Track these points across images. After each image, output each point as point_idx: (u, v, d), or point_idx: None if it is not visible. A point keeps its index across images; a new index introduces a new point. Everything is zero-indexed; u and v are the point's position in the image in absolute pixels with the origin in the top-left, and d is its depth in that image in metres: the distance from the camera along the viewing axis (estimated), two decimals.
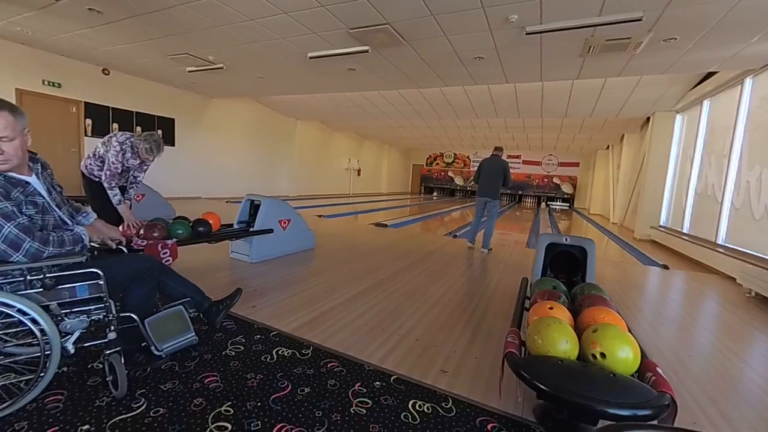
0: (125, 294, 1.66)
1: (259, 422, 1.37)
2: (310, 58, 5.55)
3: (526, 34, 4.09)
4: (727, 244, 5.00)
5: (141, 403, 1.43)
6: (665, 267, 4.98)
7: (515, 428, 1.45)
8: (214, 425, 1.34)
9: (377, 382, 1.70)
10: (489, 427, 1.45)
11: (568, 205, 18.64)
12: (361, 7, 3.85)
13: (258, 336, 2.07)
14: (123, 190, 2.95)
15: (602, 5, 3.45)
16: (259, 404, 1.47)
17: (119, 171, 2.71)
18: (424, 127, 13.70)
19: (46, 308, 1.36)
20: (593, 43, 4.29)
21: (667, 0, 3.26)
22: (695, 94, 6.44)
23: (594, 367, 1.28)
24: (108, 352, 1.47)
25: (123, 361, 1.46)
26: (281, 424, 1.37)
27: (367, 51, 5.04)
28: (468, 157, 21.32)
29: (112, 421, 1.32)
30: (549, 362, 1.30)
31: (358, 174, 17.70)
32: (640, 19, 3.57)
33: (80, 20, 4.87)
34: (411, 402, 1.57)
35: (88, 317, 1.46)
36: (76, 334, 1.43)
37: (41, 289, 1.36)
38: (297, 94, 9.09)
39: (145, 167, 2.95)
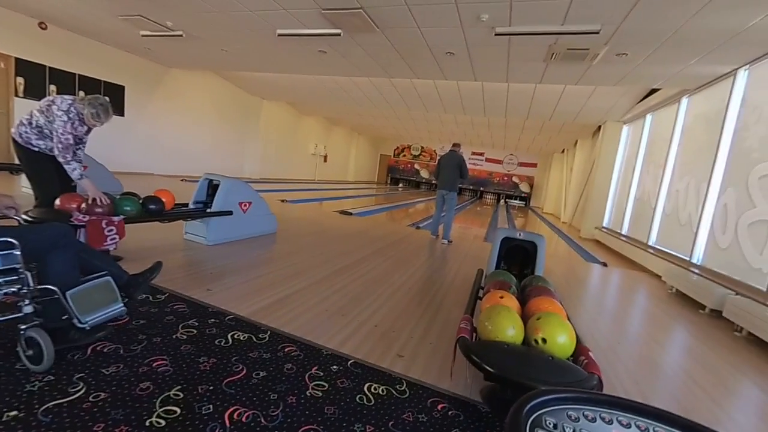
0: (42, 265, 1.52)
1: (211, 405, 1.35)
2: (279, 35, 5.31)
3: (496, 34, 4.22)
4: (657, 246, 5.58)
5: (79, 387, 1.34)
6: (604, 264, 5.46)
7: (463, 408, 1.55)
8: (161, 409, 1.29)
9: (334, 366, 1.72)
10: (439, 407, 1.53)
11: (524, 203, 19.68)
12: None
13: (212, 320, 2.01)
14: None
15: (566, 15, 3.63)
16: (211, 388, 1.44)
17: (71, 142, 2.44)
18: (393, 117, 13.70)
19: None
20: (556, 50, 4.52)
21: (623, 15, 3.50)
22: (641, 108, 7.03)
23: (536, 351, 1.40)
24: (24, 326, 1.38)
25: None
26: (234, 407, 1.35)
27: (339, 34, 4.92)
28: (435, 150, 21.69)
29: (45, 407, 1.23)
30: (496, 346, 1.40)
31: (325, 160, 17.38)
32: (597, 32, 3.81)
33: None
34: (367, 385, 1.62)
35: (1, 290, 1.34)
36: None
37: None
38: (264, 72, 8.68)
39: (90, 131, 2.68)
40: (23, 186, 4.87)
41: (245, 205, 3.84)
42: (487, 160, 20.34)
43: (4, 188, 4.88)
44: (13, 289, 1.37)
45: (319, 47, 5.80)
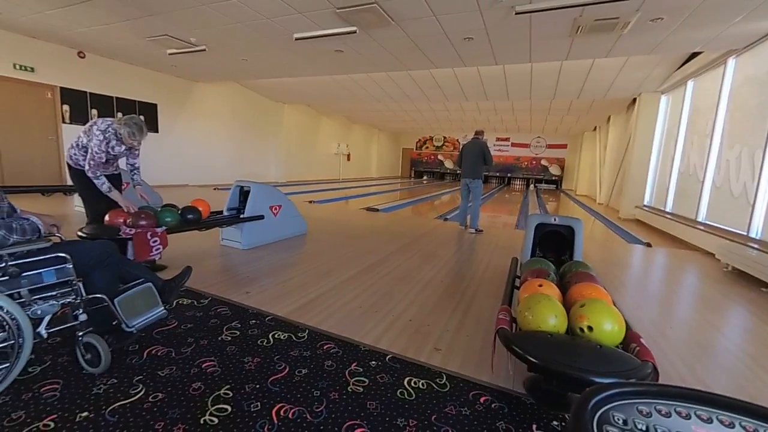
0: (88, 279, 1.64)
1: (259, 403, 1.40)
2: (296, 39, 5.39)
3: (516, 13, 4.05)
4: (707, 221, 5.18)
5: (139, 389, 1.45)
6: (648, 245, 5.14)
7: (506, 400, 1.52)
8: (214, 407, 1.36)
9: (373, 362, 1.74)
10: (482, 400, 1.51)
11: (555, 186, 18.90)
12: None
13: (253, 321, 2.09)
14: (117, 180, 2.84)
15: None
16: (257, 386, 1.50)
17: (103, 160, 2.61)
18: (413, 110, 13.57)
19: (14, 296, 1.35)
20: (582, 23, 4.27)
21: None
22: (679, 75, 6.51)
23: (581, 340, 1.34)
24: (81, 333, 1.50)
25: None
26: (280, 404, 1.40)
27: (354, 32, 4.92)
28: (458, 140, 21.27)
29: (111, 408, 1.33)
30: (539, 336, 1.35)
31: (348, 159, 17.53)
32: None
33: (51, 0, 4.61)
34: (406, 379, 1.62)
35: (58, 301, 1.46)
36: (47, 319, 1.44)
37: (5, 278, 1.34)
38: (283, 78, 8.86)
39: (136, 152, 2.84)
40: (76, 205, 5.28)
41: (275, 209, 3.95)
42: (512, 145, 19.68)
43: (58, 208, 5.32)
44: (69, 300, 1.49)
45: (335, 47, 5.83)
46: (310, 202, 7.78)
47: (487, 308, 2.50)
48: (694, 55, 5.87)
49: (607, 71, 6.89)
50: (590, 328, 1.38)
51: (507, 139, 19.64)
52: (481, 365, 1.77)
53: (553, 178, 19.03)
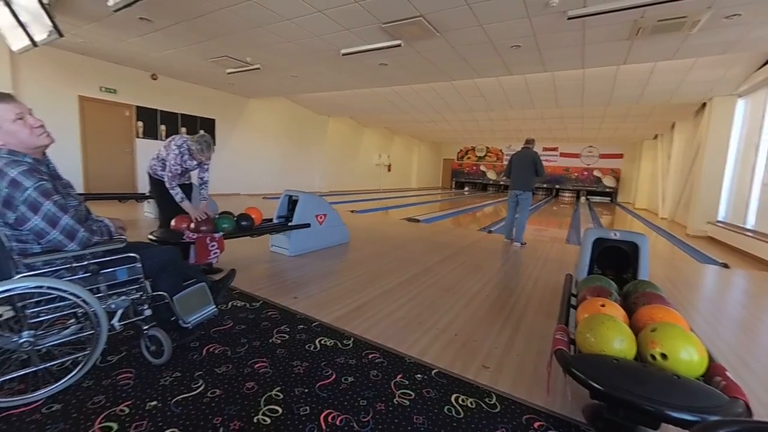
0: (155, 280, 1.75)
1: (308, 407, 1.43)
2: (343, 54, 5.61)
3: (568, 18, 3.89)
4: None
5: (199, 384, 1.54)
6: (725, 265, 4.58)
7: (563, 427, 1.41)
8: (266, 407, 1.41)
9: (418, 375, 1.71)
10: (536, 425, 1.41)
11: (609, 198, 17.59)
12: (394, 0, 3.83)
13: (301, 326, 2.15)
14: (189, 190, 3.11)
15: None
16: (306, 390, 1.53)
17: (179, 172, 2.89)
18: (454, 121, 13.44)
19: (94, 291, 1.49)
20: (643, 24, 4.00)
21: None
22: (761, 75, 5.82)
23: (654, 368, 1.21)
24: (146, 327, 1.63)
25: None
26: (328, 410, 1.42)
27: (399, 45, 5.02)
28: (501, 150, 20.67)
29: (175, 399, 1.43)
30: (603, 361, 1.24)
31: (389, 169, 17.71)
32: None
33: (132, 29, 5.22)
34: (453, 396, 1.56)
35: (129, 297, 1.59)
36: (120, 313, 1.57)
37: (88, 275, 1.49)
38: (329, 91, 9.23)
39: (206, 166, 3.07)
40: (145, 212, 5.84)
41: (321, 218, 4.07)
42: (561, 155, 18.71)
43: (131, 214, 5.91)
44: (137, 296, 1.63)
45: (379, 60, 5.98)
46: (352, 211, 7.93)
47: (538, 326, 2.36)
48: None
49: (672, 74, 6.36)
50: (663, 356, 1.24)
51: (555, 149, 18.72)
52: (533, 387, 1.66)
53: (608, 189, 17.73)
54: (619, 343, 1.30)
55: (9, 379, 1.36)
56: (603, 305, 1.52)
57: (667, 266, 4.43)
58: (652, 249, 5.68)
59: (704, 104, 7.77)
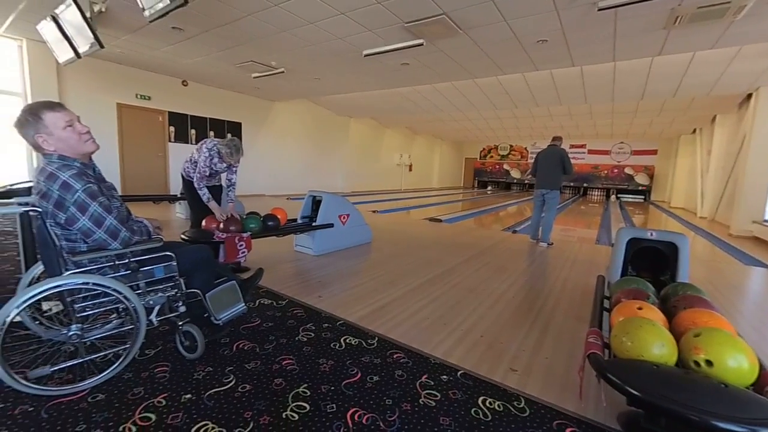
0: (189, 278, 1.81)
1: (334, 405, 1.44)
2: (365, 55, 5.64)
3: (599, 10, 3.74)
4: None
5: (230, 379, 1.59)
6: None
7: None
8: (294, 404, 1.44)
9: (444, 376, 1.69)
10: (568, 431, 1.37)
11: (642, 197, 16.74)
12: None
13: (326, 324, 2.18)
14: (218, 191, 3.22)
15: None
16: (332, 388, 1.55)
17: (207, 174, 3.00)
18: (477, 119, 13.22)
19: (134, 287, 1.56)
20: (681, 12, 3.78)
21: None
22: None
23: (698, 376, 1.14)
24: (181, 322, 1.70)
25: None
26: (354, 409, 1.43)
27: (421, 44, 4.98)
28: (525, 148, 20.14)
29: (208, 393, 1.48)
30: (642, 366, 1.18)
31: (410, 169, 17.65)
32: None
33: (165, 38, 5.48)
34: (480, 398, 1.54)
35: (165, 294, 1.66)
36: (157, 309, 1.64)
37: (128, 272, 1.56)
38: (351, 93, 9.31)
39: (234, 168, 3.18)
40: (177, 212, 6.10)
41: (344, 218, 4.11)
42: (589, 152, 18.00)
43: (164, 214, 6.19)
44: (172, 293, 1.70)
45: (401, 60, 5.97)
46: (374, 211, 7.96)
47: (567, 329, 2.28)
48: None
49: (712, 65, 5.97)
50: (709, 363, 1.17)
51: (583, 146, 18.04)
52: (564, 392, 1.61)
53: (640, 188, 16.89)
54: (658, 348, 1.24)
55: (59, 369, 1.46)
56: (640, 308, 1.45)
57: (708, 268, 4.17)
58: (691, 250, 5.36)
59: (749, 95, 7.26)
